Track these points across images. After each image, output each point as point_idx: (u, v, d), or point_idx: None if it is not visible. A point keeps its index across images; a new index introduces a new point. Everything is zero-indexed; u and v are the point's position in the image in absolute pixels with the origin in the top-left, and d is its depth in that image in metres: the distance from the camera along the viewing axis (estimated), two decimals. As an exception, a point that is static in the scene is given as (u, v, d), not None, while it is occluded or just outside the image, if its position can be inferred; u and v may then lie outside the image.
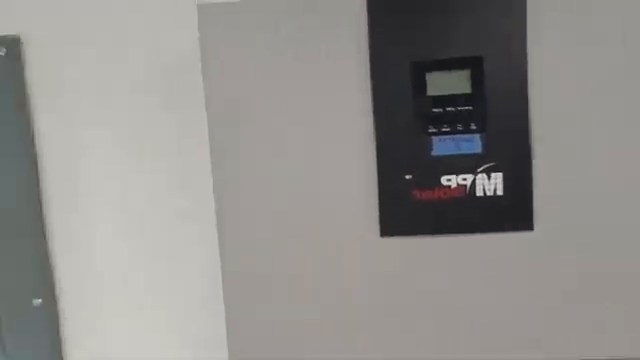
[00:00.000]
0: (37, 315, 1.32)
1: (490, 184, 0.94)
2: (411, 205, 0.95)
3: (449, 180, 0.94)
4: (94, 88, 1.34)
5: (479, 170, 0.94)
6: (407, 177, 0.95)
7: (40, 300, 1.32)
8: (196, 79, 1.18)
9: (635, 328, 0.94)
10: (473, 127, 0.93)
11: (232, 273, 0.99)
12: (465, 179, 0.94)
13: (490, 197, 0.94)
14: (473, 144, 0.93)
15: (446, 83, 0.92)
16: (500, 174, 0.93)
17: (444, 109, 0.93)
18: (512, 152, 0.93)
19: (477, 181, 0.94)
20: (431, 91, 0.92)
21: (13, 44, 1.31)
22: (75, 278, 1.37)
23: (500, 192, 0.94)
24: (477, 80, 0.92)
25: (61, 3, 1.32)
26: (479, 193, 0.94)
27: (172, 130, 1.33)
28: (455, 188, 0.94)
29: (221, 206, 0.98)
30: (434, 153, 0.94)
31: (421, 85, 0.93)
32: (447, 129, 0.93)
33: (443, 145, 0.94)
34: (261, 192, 0.97)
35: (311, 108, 0.95)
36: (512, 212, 0.94)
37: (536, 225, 0.94)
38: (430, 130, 0.93)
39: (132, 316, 1.39)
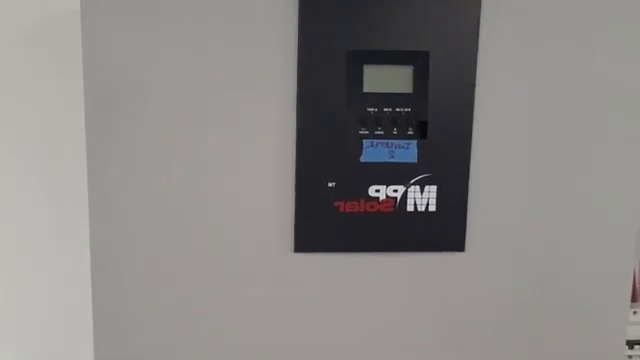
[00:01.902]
0: None
1: (423, 198, 0.82)
2: (332, 217, 0.81)
3: (377, 191, 0.81)
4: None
5: (412, 182, 0.81)
6: (330, 185, 0.81)
7: None
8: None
9: (567, 355, 0.89)
10: (410, 132, 0.80)
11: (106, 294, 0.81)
12: (396, 191, 0.81)
13: (421, 213, 0.82)
14: (408, 152, 0.81)
15: (385, 79, 0.78)
16: (434, 187, 0.82)
17: (380, 109, 0.79)
18: (449, 164, 0.82)
19: (409, 194, 0.82)
20: (368, 87, 0.78)
21: None
22: None
23: (433, 208, 0.82)
24: (420, 79, 0.79)
25: None
26: (410, 208, 0.82)
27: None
28: (384, 201, 0.81)
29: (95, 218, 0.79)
30: (363, 159, 0.80)
31: (357, 79, 0.78)
32: (381, 132, 0.80)
33: (374, 151, 0.80)
34: (147, 192, 0.79)
35: (217, 98, 0.77)
36: (443, 231, 0.83)
37: (468, 246, 0.84)
38: (361, 132, 0.79)
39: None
